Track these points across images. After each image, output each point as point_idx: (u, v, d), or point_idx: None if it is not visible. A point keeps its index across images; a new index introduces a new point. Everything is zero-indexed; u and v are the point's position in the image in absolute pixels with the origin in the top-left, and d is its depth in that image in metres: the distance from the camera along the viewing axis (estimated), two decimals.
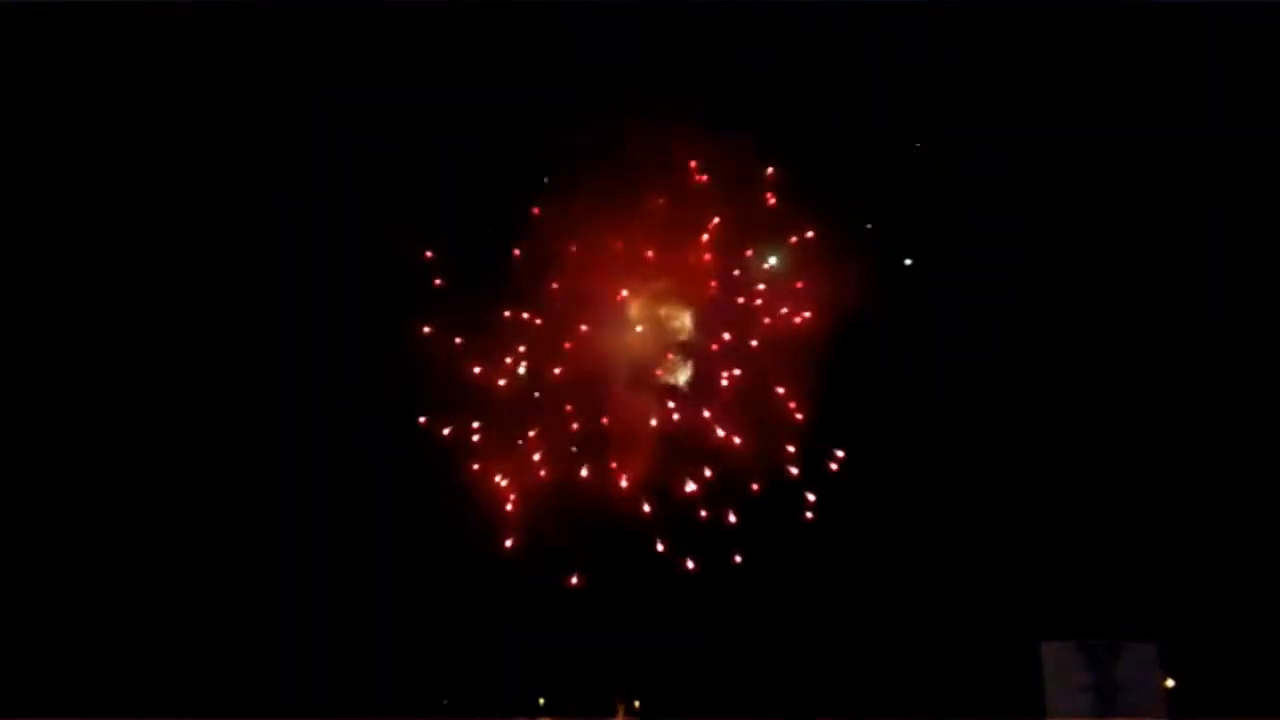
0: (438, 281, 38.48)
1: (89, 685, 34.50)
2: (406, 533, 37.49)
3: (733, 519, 36.77)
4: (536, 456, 37.40)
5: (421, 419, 37.85)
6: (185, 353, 37.92)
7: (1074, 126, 36.57)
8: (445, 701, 36.86)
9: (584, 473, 37.20)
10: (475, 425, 37.84)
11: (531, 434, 37.68)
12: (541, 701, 37.22)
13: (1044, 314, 36.77)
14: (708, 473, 37.03)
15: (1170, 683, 30.84)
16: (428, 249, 38.36)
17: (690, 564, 36.48)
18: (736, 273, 38.36)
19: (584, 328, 37.95)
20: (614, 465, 37.00)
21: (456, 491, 37.31)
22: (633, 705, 36.85)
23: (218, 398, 38.20)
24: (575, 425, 37.54)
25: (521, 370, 38.12)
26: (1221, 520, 34.33)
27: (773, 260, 38.24)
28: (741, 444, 37.18)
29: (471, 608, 37.15)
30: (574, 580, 36.66)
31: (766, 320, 38.23)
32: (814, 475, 37.22)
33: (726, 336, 38.17)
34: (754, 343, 38.17)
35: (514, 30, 37.34)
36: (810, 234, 38.10)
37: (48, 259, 37.52)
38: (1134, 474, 35.04)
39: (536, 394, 38.11)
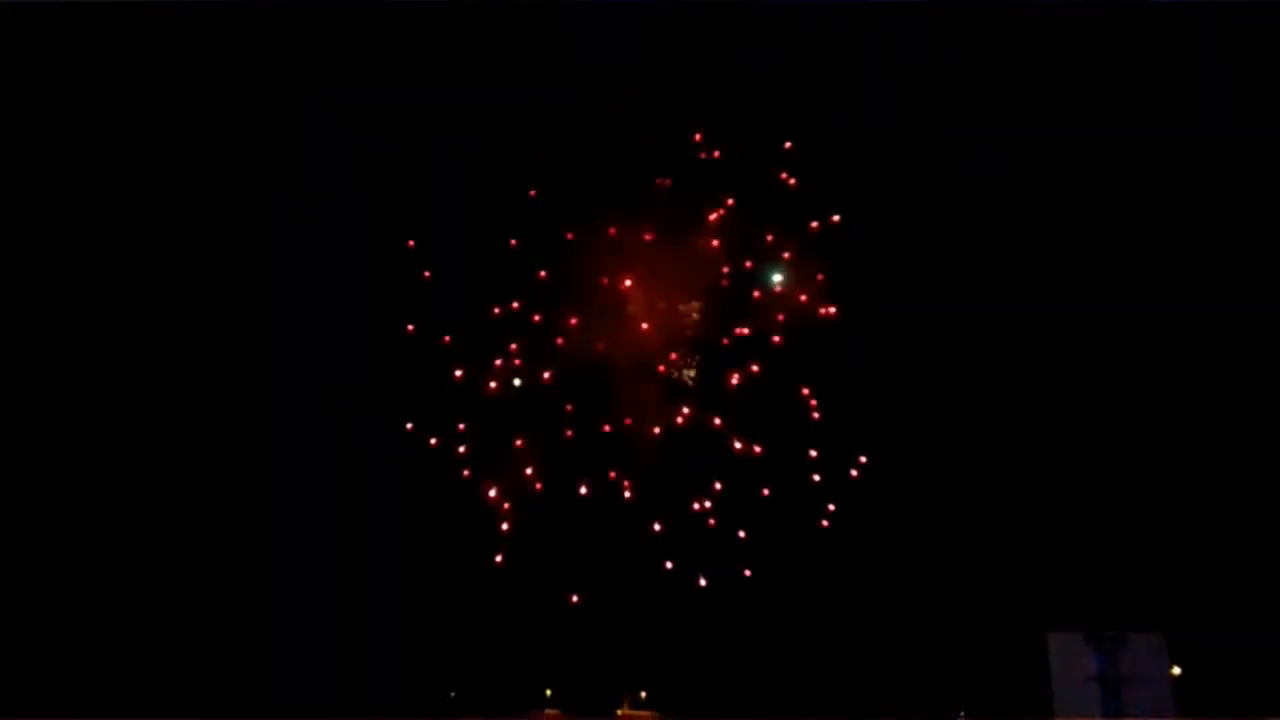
0: (427, 274, 37.90)
1: (89, 685, 34.28)
2: (406, 536, 37.24)
3: (742, 534, 36.06)
4: (529, 471, 36.67)
5: (409, 425, 37.32)
6: (185, 352, 37.77)
7: (1074, 127, 36.65)
8: (452, 694, 36.67)
9: (583, 490, 36.42)
10: (462, 429, 37.30)
11: (519, 443, 36.94)
12: (548, 693, 37.05)
13: (1050, 314, 36.59)
14: (717, 485, 36.42)
15: (1177, 670, 30.69)
16: (427, 249, 37.95)
17: (702, 581, 35.85)
18: (749, 264, 37.56)
19: (578, 322, 37.16)
20: (613, 475, 36.44)
21: (454, 498, 36.92)
22: (639, 696, 36.73)
23: (217, 398, 38.03)
24: (570, 432, 36.90)
25: (517, 382, 37.39)
26: (1229, 514, 34.31)
27: (777, 277, 37.43)
28: (753, 450, 36.53)
29: (472, 610, 36.90)
30: (574, 599, 36.07)
31: (781, 317, 37.38)
32: (833, 480, 36.62)
33: (746, 331, 37.20)
34: (776, 339, 37.29)
35: (514, 30, 37.29)
36: (835, 218, 37.31)
37: (48, 258, 37.41)
38: (1144, 472, 35.05)
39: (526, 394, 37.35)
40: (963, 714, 34.14)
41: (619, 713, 36.83)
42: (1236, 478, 34.33)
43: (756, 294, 37.54)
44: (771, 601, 35.70)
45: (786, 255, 37.42)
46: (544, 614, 35.93)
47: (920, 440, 36.13)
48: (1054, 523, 34.90)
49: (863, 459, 36.48)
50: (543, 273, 37.43)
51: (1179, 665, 30.83)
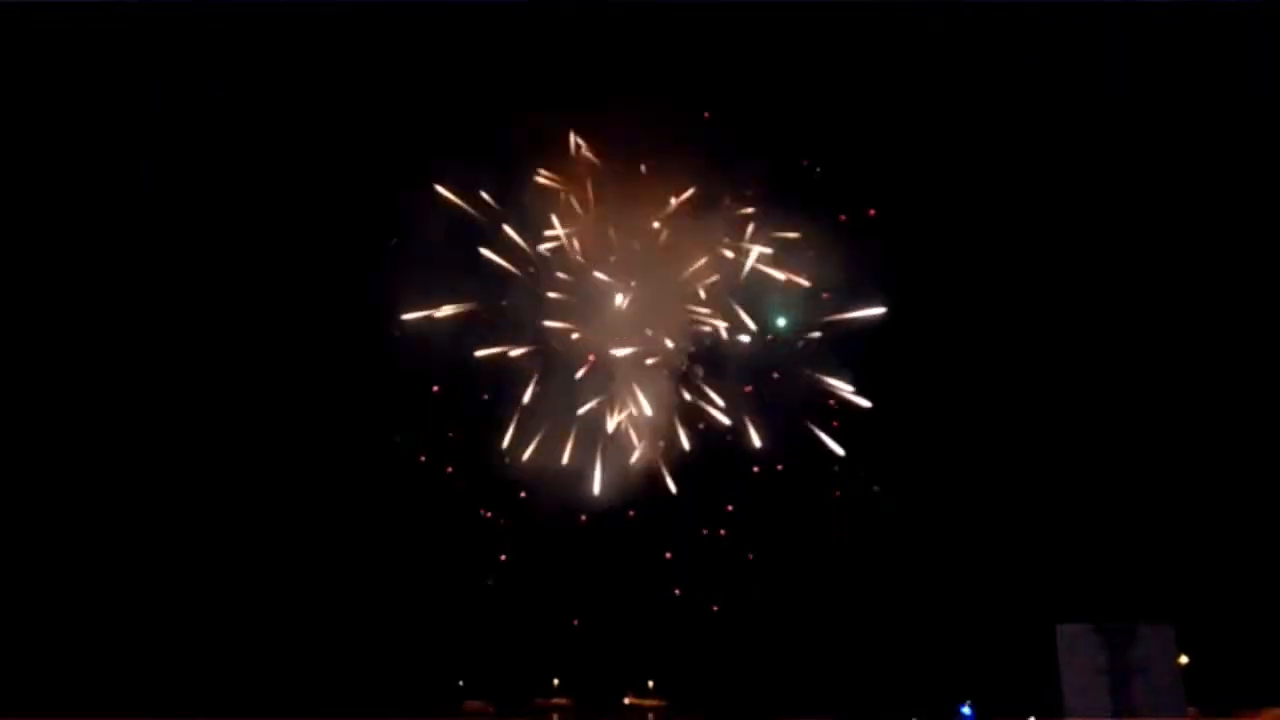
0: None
1: (89, 685, 34.02)
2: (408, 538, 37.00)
3: (751, 556, 35.53)
4: (523, 493, 36.03)
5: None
6: (183, 352, 37.67)
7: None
8: (461, 683, 36.50)
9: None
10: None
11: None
12: (556, 682, 36.88)
13: (1058, 316, 36.60)
14: (729, 508, 35.80)
15: (1184, 659, 30.63)
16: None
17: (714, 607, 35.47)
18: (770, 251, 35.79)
19: (584, 330, 36.33)
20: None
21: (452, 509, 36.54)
22: (646, 686, 36.67)
23: (215, 399, 37.89)
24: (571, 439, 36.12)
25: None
26: (1235, 507, 34.35)
27: (782, 322, 35.94)
28: (770, 466, 35.88)
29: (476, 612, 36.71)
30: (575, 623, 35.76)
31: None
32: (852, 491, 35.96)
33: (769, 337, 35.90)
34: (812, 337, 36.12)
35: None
36: (872, 212, 35.45)
37: (46, 260, 37.30)
38: (1151, 467, 35.07)
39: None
40: (969, 703, 34.15)
41: (626, 701, 36.75)
42: (1242, 471, 34.38)
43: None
44: (785, 595, 35.50)
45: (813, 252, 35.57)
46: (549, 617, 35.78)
47: (930, 438, 35.88)
48: (1063, 517, 34.89)
49: (882, 486, 35.83)
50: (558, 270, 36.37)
51: (1187, 655, 30.86)
